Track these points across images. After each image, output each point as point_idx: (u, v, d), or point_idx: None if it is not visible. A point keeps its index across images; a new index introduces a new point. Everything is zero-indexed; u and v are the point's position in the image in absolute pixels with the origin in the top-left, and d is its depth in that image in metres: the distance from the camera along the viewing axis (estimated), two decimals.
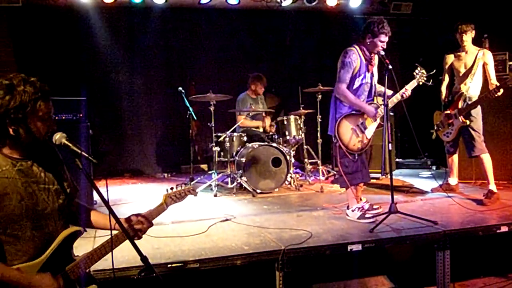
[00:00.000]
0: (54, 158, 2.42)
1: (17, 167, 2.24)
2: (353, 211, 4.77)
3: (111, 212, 2.25)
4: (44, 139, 2.25)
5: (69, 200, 2.42)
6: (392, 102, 4.72)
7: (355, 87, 4.74)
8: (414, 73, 4.82)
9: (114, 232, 2.42)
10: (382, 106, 4.66)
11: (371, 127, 4.79)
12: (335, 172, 7.50)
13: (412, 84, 4.78)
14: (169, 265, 3.47)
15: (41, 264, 2.21)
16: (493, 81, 5.53)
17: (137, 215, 2.56)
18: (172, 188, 2.70)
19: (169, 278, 3.50)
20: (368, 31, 4.63)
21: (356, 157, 4.77)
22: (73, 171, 2.51)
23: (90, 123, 5.34)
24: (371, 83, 4.86)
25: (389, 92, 4.73)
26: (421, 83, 4.80)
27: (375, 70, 4.92)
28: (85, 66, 8.27)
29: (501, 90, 5.34)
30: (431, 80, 4.86)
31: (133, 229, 2.48)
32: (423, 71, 4.81)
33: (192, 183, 6.77)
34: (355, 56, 4.68)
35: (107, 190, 2.30)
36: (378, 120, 4.79)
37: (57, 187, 2.36)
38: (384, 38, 4.62)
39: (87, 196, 4.89)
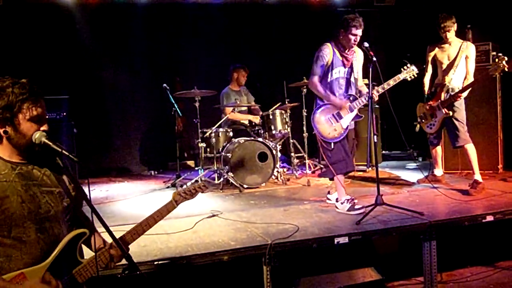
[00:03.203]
0: (55, 163, 2.38)
1: (17, 171, 2.22)
2: (342, 203, 4.78)
3: (94, 211, 2.21)
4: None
5: (74, 203, 2.40)
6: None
7: (329, 80, 4.93)
8: (402, 69, 4.89)
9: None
10: (362, 98, 4.84)
11: (347, 117, 4.88)
12: (321, 166, 7.53)
13: (397, 79, 4.86)
14: (155, 263, 3.44)
15: (46, 268, 2.17)
16: (470, 77, 5.57)
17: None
18: (182, 186, 2.65)
19: (156, 276, 3.48)
20: (341, 26, 4.82)
21: (332, 146, 4.88)
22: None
23: (75, 121, 5.30)
24: (348, 79, 4.97)
25: (365, 89, 4.91)
26: (409, 78, 4.90)
27: (357, 66, 5.01)
28: (68, 64, 8.16)
29: (464, 94, 5.47)
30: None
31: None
32: (413, 67, 4.89)
33: (178, 179, 6.85)
34: (327, 51, 4.88)
35: (89, 190, 2.28)
36: (355, 111, 4.89)
37: (61, 190, 2.33)
38: (355, 31, 4.74)
39: None
